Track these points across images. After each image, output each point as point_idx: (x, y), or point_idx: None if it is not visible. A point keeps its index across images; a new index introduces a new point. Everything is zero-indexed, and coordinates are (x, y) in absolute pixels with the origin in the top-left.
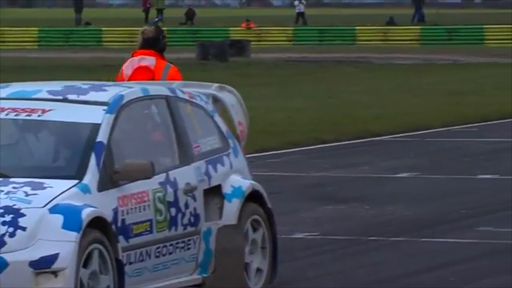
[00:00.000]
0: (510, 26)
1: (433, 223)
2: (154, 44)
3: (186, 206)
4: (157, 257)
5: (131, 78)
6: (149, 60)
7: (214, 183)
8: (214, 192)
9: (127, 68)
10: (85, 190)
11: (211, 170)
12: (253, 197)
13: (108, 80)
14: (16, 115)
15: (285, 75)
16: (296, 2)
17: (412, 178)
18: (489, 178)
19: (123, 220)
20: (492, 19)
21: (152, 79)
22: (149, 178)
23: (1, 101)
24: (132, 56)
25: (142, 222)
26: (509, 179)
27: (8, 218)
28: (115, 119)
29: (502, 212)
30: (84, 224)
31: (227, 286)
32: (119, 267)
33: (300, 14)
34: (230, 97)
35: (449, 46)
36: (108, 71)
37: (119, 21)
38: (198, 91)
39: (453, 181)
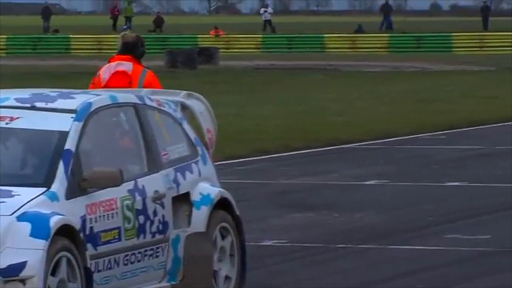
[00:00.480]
0: (478, 33)
1: (401, 231)
2: (132, 49)
3: (155, 213)
4: (125, 264)
5: (108, 83)
6: (126, 65)
7: (182, 190)
8: (183, 200)
9: (104, 72)
10: (53, 198)
11: (180, 178)
12: (222, 204)
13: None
14: None
15: (254, 83)
16: (262, 10)
17: (381, 186)
18: (457, 186)
19: (91, 227)
20: (460, 26)
21: (130, 84)
22: (118, 185)
23: None
24: (109, 62)
25: (110, 229)
26: (477, 187)
27: None
28: (83, 127)
29: (470, 219)
30: (52, 232)
31: None
32: (87, 275)
33: (267, 22)
34: (198, 105)
35: (418, 53)
36: (76, 79)
37: (87, 29)
38: (167, 99)
39: (421, 189)
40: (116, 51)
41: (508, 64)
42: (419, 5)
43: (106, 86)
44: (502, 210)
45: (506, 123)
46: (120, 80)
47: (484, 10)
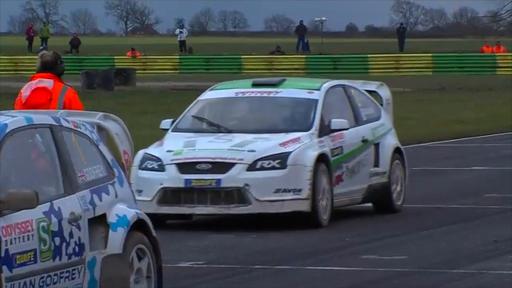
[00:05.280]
0: (394, 55)
1: (318, 251)
2: (52, 67)
3: (71, 235)
4: (41, 287)
5: (29, 99)
6: (47, 82)
7: (99, 212)
8: (99, 221)
9: (25, 90)
10: None
11: (96, 199)
12: (139, 226)
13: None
14: None
15: (171, 104)
16: (177, 31)
17: None
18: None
19: (6, 250)
20: (376, 48)
21: (50, 100)
22: (33, 207)
23: None
24: (31, 80)
25: (26, 251)
26: None
27: None
28: None
29: (387, 239)
30: None
31: None
32: None
33: (182, 43)
34: (115, 126)
35: (334, 75)
36: None
37: (3, 49)
38: (83, 120)
39: (338, 209)
40: (33, 71)
41: (424, 85)
42: (335, 27)
43: (27, 102)
44: (419, 231)
45: (422, 144)
46: (40, 97)
47: (400, 31)
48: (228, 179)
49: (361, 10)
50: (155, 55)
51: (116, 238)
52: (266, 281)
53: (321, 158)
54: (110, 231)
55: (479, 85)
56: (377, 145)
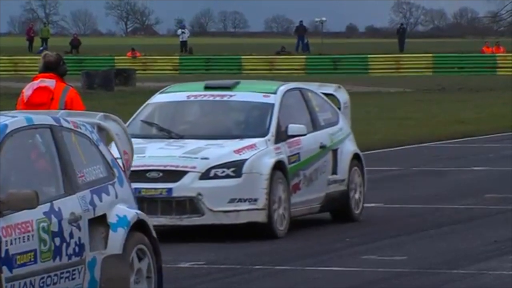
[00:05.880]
0: (394, 55)
1: (318, 252)
2: (54, 68)
3: (71, 235)
4: (41, 287)
5: (31, 98)
6: (49, 82)
7: (99, 212)
8: (99, 222)
9: (27, 89)
10: None
11: (96, 200)
12: (139, 226)
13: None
14: None
15: None
16: (179, 31)
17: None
18: (374, 207)
19: (6, 250)
20: (376, 48)
21: (51, 100)
22: (34, 208)
23: None
24: (33, 80)
25: (26, 252)
26: (394, 208)
27: None
28: None
29: (387, 240)
30: None
31: None
32: None
33: (183, 43)
34: (115, 126)
35: (334, 75)
36: None
37: (3, 50)
38: (83, 120)
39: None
40: (33, 72)
41: (424, 86)
42: (335, 27)
43: (29, 101)
44: (419, 231)
45: (422, 144)
46: (42, 96)
47: (400, 32)
48: (180, 188)
49: (361, 11)
50: (155, 56)
51: (116, 239)
52: (266, 281)
53: (278, 166)
54: (110, 232)
55: (479, 86)
56: (335, 151)
